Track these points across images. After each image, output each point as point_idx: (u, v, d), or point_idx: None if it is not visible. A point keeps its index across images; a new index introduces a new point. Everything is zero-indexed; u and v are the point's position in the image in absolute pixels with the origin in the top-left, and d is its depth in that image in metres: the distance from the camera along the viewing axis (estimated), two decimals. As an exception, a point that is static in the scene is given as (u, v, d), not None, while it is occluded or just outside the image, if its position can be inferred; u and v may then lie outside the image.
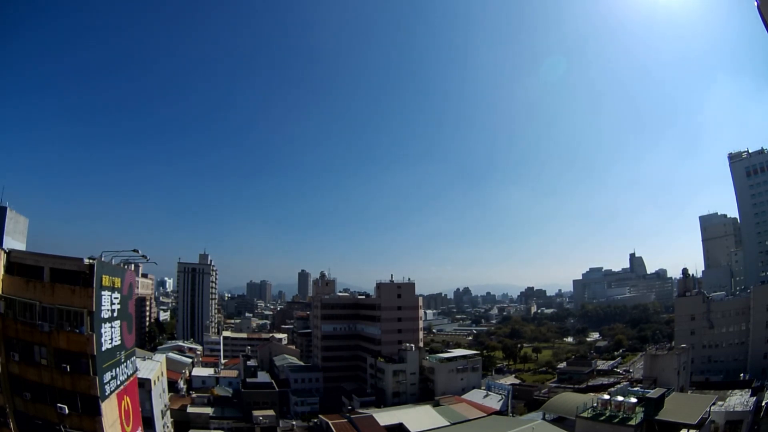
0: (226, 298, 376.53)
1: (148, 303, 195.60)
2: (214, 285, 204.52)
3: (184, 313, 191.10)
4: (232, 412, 70.68)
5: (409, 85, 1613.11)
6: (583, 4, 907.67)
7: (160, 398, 52.19)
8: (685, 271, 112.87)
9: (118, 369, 34.58)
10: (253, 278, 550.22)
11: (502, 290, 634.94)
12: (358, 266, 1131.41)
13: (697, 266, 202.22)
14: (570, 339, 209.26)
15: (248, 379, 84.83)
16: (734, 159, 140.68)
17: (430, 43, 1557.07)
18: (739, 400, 59.66)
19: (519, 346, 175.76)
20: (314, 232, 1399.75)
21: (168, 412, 56.07)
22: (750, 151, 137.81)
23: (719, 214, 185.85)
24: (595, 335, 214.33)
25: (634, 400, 47.87)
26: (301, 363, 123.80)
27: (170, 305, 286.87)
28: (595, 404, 49.74)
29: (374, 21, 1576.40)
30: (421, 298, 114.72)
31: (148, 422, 45.47)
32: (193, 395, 76.56)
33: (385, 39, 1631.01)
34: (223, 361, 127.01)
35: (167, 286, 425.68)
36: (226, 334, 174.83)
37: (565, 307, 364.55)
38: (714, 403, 55.02)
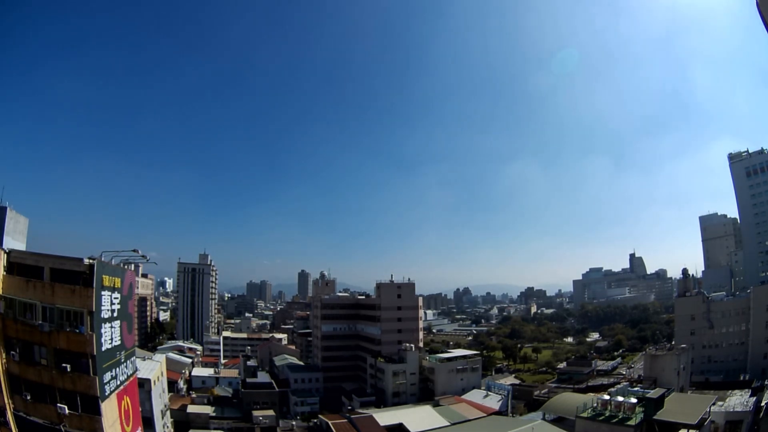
0: (226, 298, 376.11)
1: (148, 303, 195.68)
2: (214, 285, 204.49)
3: (184, 313, 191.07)
4: (232, 412, 70.70)
5: (408, 85, 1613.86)
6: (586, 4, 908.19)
7: (160, 398, 52.20)
8: (685, 271, 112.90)
9: (118, 369, 34.59)
10: (253, 278, 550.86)
11: (502, 290, 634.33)
12: (358, 266, 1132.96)
13: (697, 266, 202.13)
14: (570, 339, 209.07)
15: (248, 379, 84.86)
16: (734, 159, 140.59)
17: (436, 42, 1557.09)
18: (738, 401, 59.66)
19: (519, 346, 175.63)
20: (314, 232, 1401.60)
21: (168, 412, 56.08)
22: (750, 151, 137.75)
23: (719, 214, 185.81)
24: (595, 335, 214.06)
25: (634, 400, 47.91)
26: (301, 363, 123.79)
27: (170, 305, 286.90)
28: (595, 404, 49.78)
29: (382, 15, 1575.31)
30: (421, 298, 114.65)
31: (148, 422, 45.46)
32: (193, 395, 76.58)
33: (391, 38, 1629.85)
34: (223, 361, 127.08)
35: (167, 286, 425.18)
36: (226, 334, 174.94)
37: (565, 307, 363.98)
38: (714, 404, 55.03)
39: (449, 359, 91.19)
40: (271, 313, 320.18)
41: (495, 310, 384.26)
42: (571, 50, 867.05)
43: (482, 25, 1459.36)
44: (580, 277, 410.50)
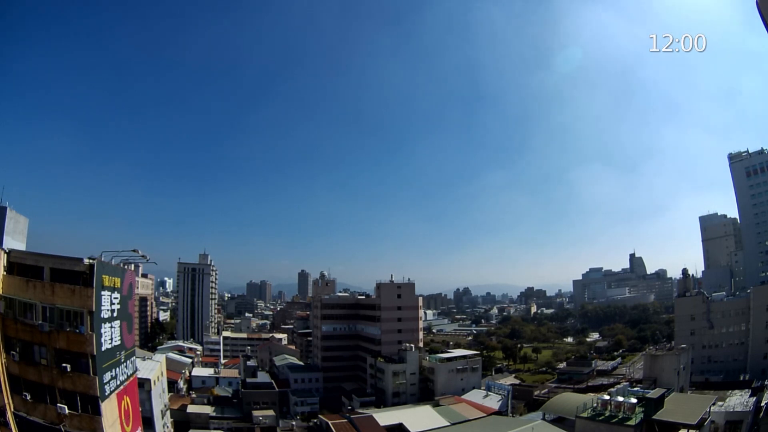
0: (226, 298, 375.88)
1: (148, 303, 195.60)
2: (214, 285, 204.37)
3: (184, 313, 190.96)
4: (232, 412, 70.73)
5: (405, 84, 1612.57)
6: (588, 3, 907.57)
7: (160, 398, 52.19)
8: (685, 271, 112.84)
9: (118, 369, 34.58)
10: (253, 278, 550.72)
11: (502, 290, 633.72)
12: (358, 266, 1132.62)
13: (697, 266, 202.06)
14: (570, 339, 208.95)
15: (248, 379, 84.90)
16: (734, 159, 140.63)
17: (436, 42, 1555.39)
18: (738, 401, 59.63)
19: (519, 346, 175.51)
20: (314, 232, 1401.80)
21: (168, 412, 56.07)
22: (750, 152, 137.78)
23: (719, 214, 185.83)
24: (595, 335, 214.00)
25: (633, 400, 47.88)
26: (301, 363, 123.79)
27: (170, 305, 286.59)
28: (595, 404, 49.74)
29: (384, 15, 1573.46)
30: (421, 298, 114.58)
31: (148, 422, 45.46)
32: (193, 395, 76.60)
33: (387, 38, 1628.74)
34: (223, 361, 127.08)
35: (167, 286, 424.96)
36: (226, 334, 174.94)
37: (565, 308, 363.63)
38: (714, 404, 55.02)
39: (449, 359, 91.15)
40: (271, 313, 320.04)
41: (495, 310, 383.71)
42: (575, 49, 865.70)
43: (473, 39, 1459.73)
44: (580, 277, 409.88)
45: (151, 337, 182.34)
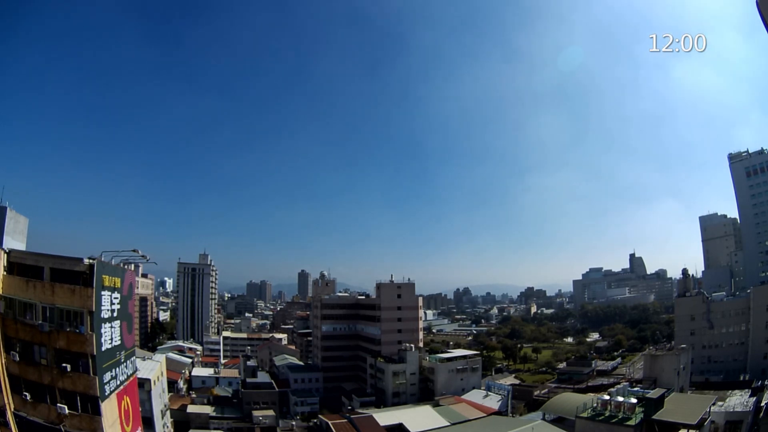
0: (226, 298, 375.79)
1: (148, 303, 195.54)
2: (214, 285, 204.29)
3: (184, 313, 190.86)
4: (232, 412, 70.74)
5: (405, 83, 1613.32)
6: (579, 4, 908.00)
7: (159, 398, 52.19)
8: (685, 271, 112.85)
9: (118, 369, 34.58)
10: (253, 278, 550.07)
11: (502, 290, 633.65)
12: (358, 266, 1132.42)
13: (697, 266, 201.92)
14: (570, 339, 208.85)
15: (248, 379, 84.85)
16: (734, 159, 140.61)
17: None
18: (738, 401, 59.62)
19: (519, 346, 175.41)
20: (314, 232, 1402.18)
21: (168, 412, 56.08)
22: (750, 152, 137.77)
23: (719, 214, 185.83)
24: (595, 335, 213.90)
25: (633, 400, 47.86)
26: (301, 363, 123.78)
27: (170, 305, 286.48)
28: (594, 404, 49.72)
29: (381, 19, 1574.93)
30: (421, 298, 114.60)
31: (148, 422, 45.47)
32: (193, 395, 76.62)
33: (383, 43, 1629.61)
34: (223, 361, 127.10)
35: (167, 286, 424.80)
36: (226, 334, 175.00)
37: (565, 308, 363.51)
38: (714, 404, 55.01)
39: (449, 359, 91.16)
40: (271, 313, 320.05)
41: (495, 310, 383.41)
42: (576, 48, 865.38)
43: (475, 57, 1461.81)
44: (580, 277, 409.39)
45: (151, 337, 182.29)
